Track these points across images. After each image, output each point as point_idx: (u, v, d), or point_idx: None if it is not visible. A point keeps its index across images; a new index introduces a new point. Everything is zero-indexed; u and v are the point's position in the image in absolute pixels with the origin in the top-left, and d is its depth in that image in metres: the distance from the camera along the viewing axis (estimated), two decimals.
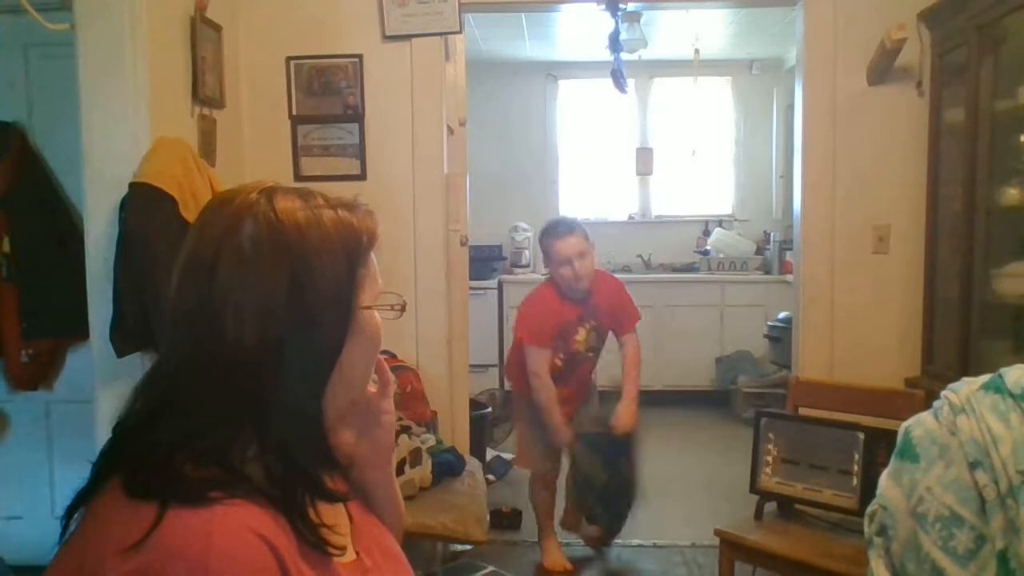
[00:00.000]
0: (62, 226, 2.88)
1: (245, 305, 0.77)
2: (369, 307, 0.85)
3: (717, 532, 2.36)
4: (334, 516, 0.84)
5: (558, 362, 3.02)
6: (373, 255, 0.86)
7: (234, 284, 0.77)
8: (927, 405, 1.22)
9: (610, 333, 3.16)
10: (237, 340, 0.76)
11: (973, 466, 1.08)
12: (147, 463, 0.74)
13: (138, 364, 2.17)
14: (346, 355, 0.82)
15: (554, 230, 3.01)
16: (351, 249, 0.83)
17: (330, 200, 0.84)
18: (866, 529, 1.23)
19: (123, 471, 0.75)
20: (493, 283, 5.65)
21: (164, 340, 0.81)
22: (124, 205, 2.19)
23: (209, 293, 0.77)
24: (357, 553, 0.88)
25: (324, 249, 0.80)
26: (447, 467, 2.66)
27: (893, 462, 1.20)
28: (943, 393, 1.18)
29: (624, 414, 3.00)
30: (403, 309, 0.90)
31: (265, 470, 0.77)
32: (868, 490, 1.86)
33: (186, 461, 0.74)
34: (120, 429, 0.80)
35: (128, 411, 0.80)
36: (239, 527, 0.70)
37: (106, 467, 0.78)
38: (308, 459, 0.81)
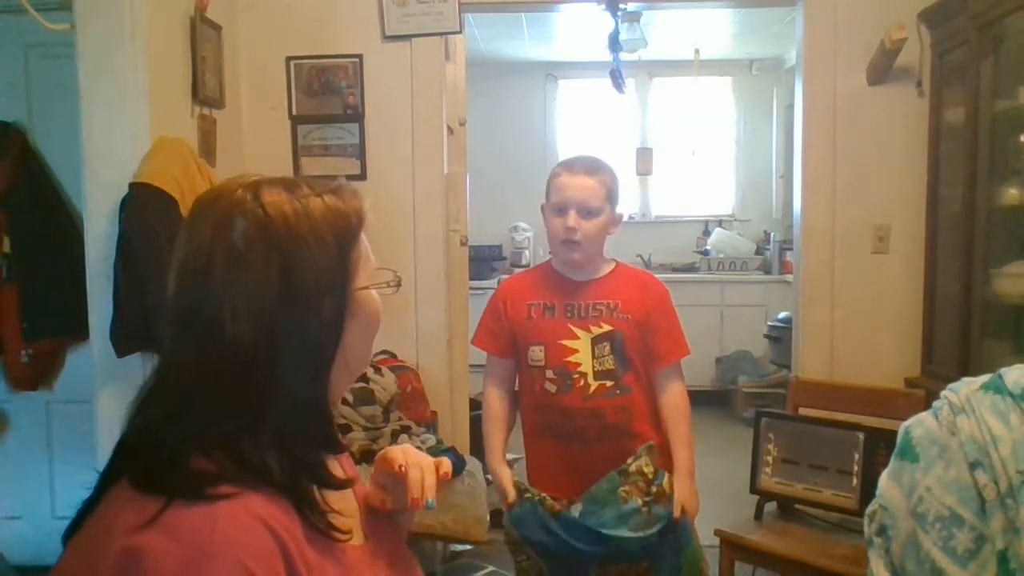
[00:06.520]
0: (62, 226, 2.88)
1: (240, 303, 0.77)
2: (365, 287, 0.86)
3: (717, 532, 2.35)
4: (341, 500, 0.86)
5: (548, 384, 1.91)
6: (363, 235, 0.87)
7: (229, 283, 0.78)
8: (927, 405, 1.22)
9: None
10: (235, 338, 0.77)
11: (973, 466, 1.08)
12: (155, 459, 0.75)
13: (138, 364, 2.16)
14: (348, 337, 0.83)
15: (567, 160, 2.03)
16: (341, 234, 0.83)
17: (316, 188, 0.85)
18: (866, 529, 1.23)
19: (131, 470, 0.76)
20: (493, 283, 5.63)
21: (165, 345, 0.82)
22: (124, 205, 2.19)
23: (206, 295, 0.78)
24: (367, 537, 0.91)
25: (314, 239, 0.80)
26: None
27: (893, 462, 1.20)
28: (943, 393, 1.18)
29: (682, 496, 1.90)
30: (399, 284, 0.92)
31: (276, 458, 0.79)
32: (868, 490, 1.85)
33: (196, 454, 0.75)
34: (125, 439, 0.80)
35: (132, 421, 0.80)
36: (244, 513, 0.72)
37: (112, 475, 0.78)
38: (312, 446, 0.82)
